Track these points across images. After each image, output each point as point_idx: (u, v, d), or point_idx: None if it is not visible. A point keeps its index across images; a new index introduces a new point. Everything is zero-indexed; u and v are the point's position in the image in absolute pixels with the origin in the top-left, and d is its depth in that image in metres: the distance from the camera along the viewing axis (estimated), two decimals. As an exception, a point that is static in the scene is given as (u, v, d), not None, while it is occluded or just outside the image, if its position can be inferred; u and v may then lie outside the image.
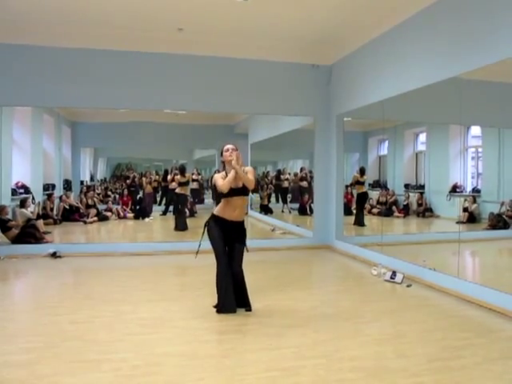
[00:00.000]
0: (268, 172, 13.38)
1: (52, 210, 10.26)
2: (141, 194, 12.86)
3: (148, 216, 11.98)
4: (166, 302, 4.83)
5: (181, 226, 9.97)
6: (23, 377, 3.00)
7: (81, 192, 11.62)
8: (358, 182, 9.58)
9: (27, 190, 9.08)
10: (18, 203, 8.37)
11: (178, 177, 10.33)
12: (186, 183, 10.43)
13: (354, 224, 9.52)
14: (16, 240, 7.57)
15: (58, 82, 7.27)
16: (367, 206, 10.35)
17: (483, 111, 6.82)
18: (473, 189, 8.28)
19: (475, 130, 8.35)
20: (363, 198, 9.70)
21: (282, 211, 12.40)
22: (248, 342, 3.77)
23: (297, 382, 2.98)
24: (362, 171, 9.63)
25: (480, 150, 8.30)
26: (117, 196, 13.20)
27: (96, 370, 3.10)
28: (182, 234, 9.50)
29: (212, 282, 4.50)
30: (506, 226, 7.43)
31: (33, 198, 9.03)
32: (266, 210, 12.24)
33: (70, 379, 2.98)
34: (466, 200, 8.13)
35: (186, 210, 11.02)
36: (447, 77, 5.37)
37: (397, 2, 5.89)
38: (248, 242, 4.57)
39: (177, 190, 10.33)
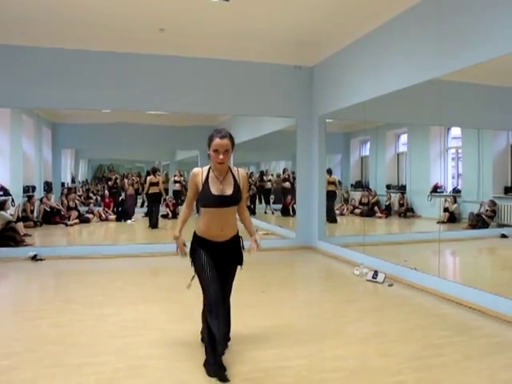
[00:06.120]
0: (251, 173, 13.40)
1: (32, 212, 10.11)
2: (123, 196, 12.77)
3: (130, 218, 11.91)
4: (149, 305, 4.80)
5: (151, 222, 10.87)
6: (2, 382, 2.95)
7: (62, 194, 11.48)
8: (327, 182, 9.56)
9: (6, 193, 8.94)
10: (-3, 206, 8.23)
11: (151, 176, 10.99)
12: (157, 183, 11.02)
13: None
14: (-5, 243, 7.44)
15: (38, 83, 7.16)
16: (349, 206, 10.45)
17: (463, 112, 6.92)
18: (453, 189, 8.40)
19: (455, 131, 8.48)
20: (330, 195, 9.59)
21: (265, 212, 12.43)
22: (231, 343, 3.75)
23: (280, 383, 2.99)
24: (329, 172, 9.60)
25: (460, 150, 8.43)
26: (98, 198, 13.09)
27: (77, 374, 3.06)
28: (165, 236, 9.45)
29: (196, 285, 4.45)
30: (485, 226, 7.55)
31: (12, 201, 8.90)
32: (248, 210, 12.22)
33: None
34: (446, 200, 8.24)
35: (167, 210, 11.89)
36: (428, 78, 5.44)
37: (378, 4, 5.96)
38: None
39: (150, 191, 11.01)
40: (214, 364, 3.08)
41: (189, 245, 3.37)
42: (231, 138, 3.24)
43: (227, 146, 3.20)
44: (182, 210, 3.48)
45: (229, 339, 3.56)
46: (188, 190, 3.41)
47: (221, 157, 3.17)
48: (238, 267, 3.45)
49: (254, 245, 3.35)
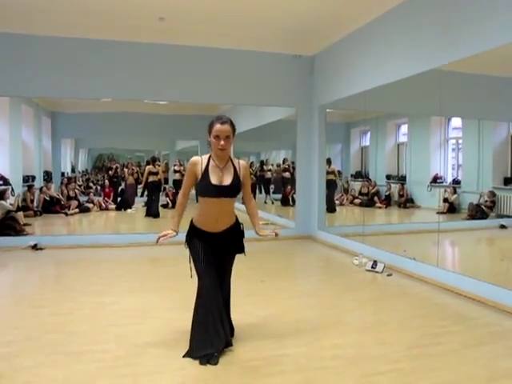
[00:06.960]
0: (252, 163, 13.40)
1: (32, 201, 10.13)
2: (123, 186, 12.78)
3: (130, 207, 11.94)
4: (148, 293, 4.82)
5: (151, 212, 10.96)
6: (3, 369, 2.96)
7: (62, 183, 11.49)
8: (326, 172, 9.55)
9: (6, 182, 8.94)
10: (-3, 195, 8.24)
11: (150, 166, 11.16)
12: (156, 173, 11.25)
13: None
14: (-5, 232, 7.46)
15: (37, 72, 7.13)
16: (349, 196, 10.45)
17: (464, 103, 6.90)
18: (453, 180, 8.41)
19: (456, 121, 8.46)
20: (329, 184, 9.58)
21: (265, 202, 12.44)
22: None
23: (279, 371, 3.00)
24: (329, 161, 9.58)
25: (460, 141, 8.42)
26: (98, 187, 13.11)
27: (77, 362, 3.08)
28: (165, 225, 9.45)
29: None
30: (484, 216, 7.57)
31: (12, 190, 8.90)
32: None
33: (50, 371, 2.96)
34: (446, 191, 8.25)
35: (167, 199, 12.27)
36: (429, 68, 5.40)
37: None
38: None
39: (149, 179, 11.20)
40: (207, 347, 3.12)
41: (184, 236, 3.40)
42: (232, 125, 3.14)
43: (228, 132, 3.10)
44: (179, 200, 3.36)
45: (232, 328, 3.51)
46: (185, 178, 3.28)
47: (222, 142, 3.07)
48: (241, 255, 3.43)
49: (272, 233, 3.42)
